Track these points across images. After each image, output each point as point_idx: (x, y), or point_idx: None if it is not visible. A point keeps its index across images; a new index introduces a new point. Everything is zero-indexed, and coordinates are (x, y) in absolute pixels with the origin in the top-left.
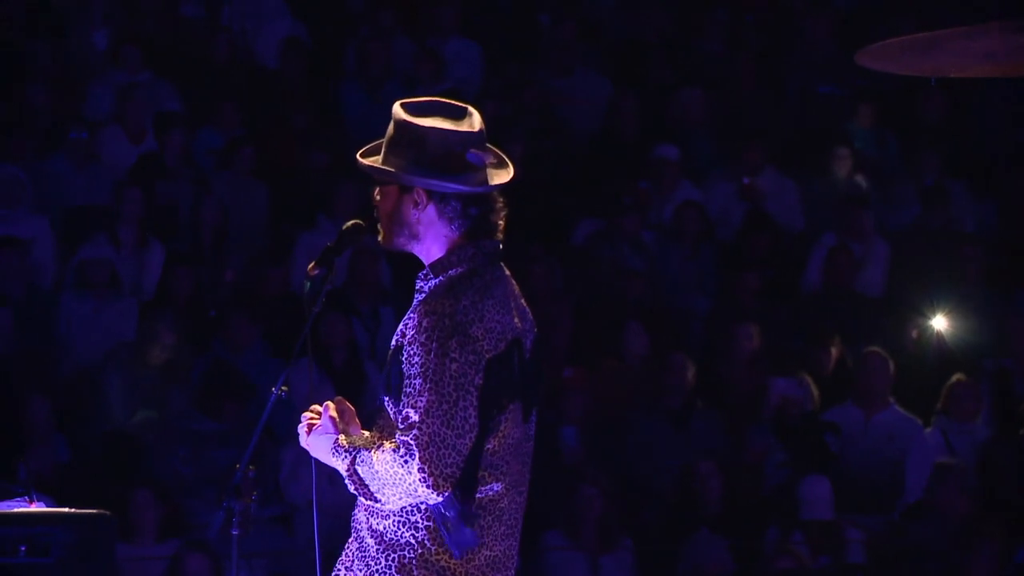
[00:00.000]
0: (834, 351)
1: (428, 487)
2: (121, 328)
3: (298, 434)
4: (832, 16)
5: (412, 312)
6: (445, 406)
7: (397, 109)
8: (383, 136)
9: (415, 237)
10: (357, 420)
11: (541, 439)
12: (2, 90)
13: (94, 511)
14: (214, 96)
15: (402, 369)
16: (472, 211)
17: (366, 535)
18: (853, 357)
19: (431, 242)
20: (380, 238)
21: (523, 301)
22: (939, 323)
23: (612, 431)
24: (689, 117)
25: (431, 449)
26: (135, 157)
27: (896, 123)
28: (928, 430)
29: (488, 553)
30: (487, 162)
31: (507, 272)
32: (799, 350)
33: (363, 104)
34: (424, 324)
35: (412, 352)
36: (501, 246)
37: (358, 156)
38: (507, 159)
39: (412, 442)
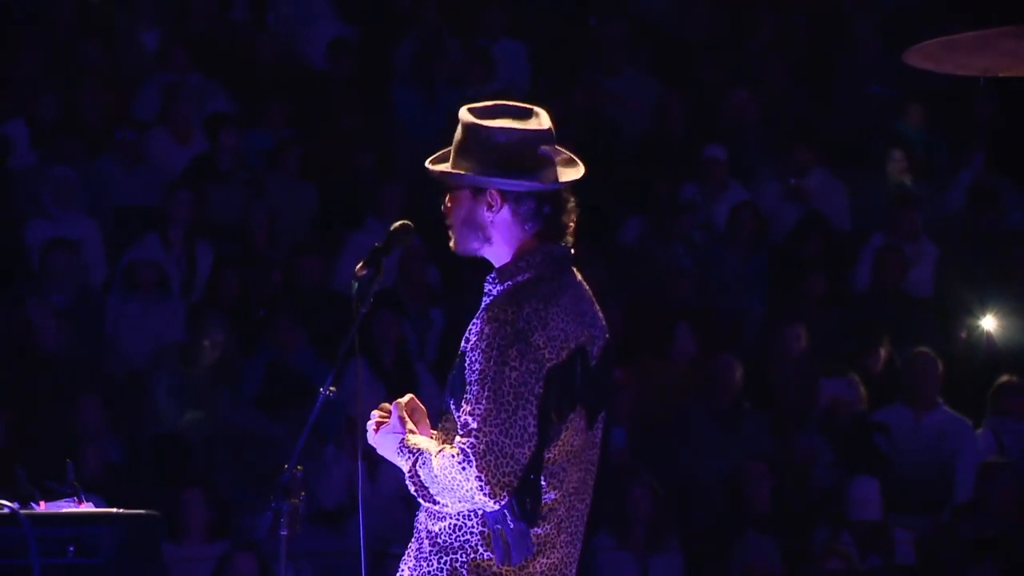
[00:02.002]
0: (883, 352)
1: (485, 495)
2: (169, 329)
3: (365, 431)
4: (880, 16)
5: (477, 318)
6: (503, 415)
7: (464, 113)
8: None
9: (488, 240)
10: (427, 420)
11: None
12: (53, 91)
13: (142, 511)
14: (262, 97)
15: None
16: (546, 209)
17: (424, 536)
18: (902, 358)
19: (502, 245)
20: (452, 244)
21: (596, 307)
22: (988, 323)
23: (661, 432)
24: (738, 117)
25: (488, 457)
26: (182, 158)
27: (945, 123)
28: (979, 430)
29: (545, 561)
30: (556, 159)
31: (579, 278)
32: (848, 351)
33: (416, 105)
34: (486, 331)
35: (473, 359)
36: (572, 250)
37: (427, 164)
38: (576, 158)
39: (469, 450)
